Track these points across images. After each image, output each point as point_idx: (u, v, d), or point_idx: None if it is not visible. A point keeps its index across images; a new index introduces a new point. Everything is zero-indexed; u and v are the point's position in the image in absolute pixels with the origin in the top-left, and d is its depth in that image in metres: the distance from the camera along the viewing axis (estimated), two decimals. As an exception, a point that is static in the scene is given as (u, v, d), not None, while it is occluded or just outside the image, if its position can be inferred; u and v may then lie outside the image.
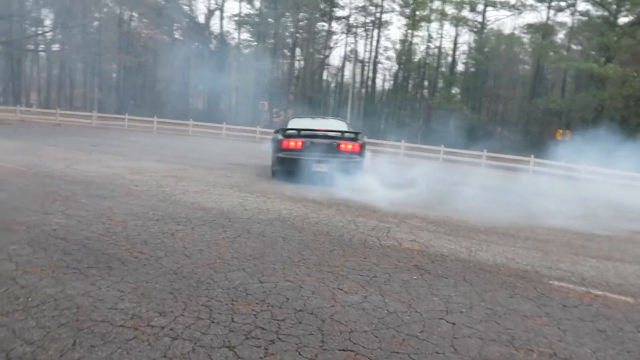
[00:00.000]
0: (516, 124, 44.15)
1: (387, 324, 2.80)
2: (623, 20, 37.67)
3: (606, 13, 39.20)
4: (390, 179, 9.28)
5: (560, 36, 44.00)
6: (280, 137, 9.00)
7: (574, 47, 42.01)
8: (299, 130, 8.86)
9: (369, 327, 2.73)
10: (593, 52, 40.22)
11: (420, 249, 4.58)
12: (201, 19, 43.94)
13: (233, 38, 45.10)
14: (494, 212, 7.14)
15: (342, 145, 8.70)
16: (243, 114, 38.43)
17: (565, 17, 43.82)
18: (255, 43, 42.78)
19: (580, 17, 40.09)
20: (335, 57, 49.00)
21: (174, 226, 4.72)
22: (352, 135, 8.94)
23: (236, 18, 43.20)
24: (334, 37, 45.64)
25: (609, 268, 4.49)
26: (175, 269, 3.50)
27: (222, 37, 43.72)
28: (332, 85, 49.90)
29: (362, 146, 9.03)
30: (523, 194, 10.90)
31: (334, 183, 8.10)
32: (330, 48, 46.08)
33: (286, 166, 8.68)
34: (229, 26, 45.77)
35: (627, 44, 35.42)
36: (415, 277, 3.70)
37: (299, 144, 8.63)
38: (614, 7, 38.60)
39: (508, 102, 46.01)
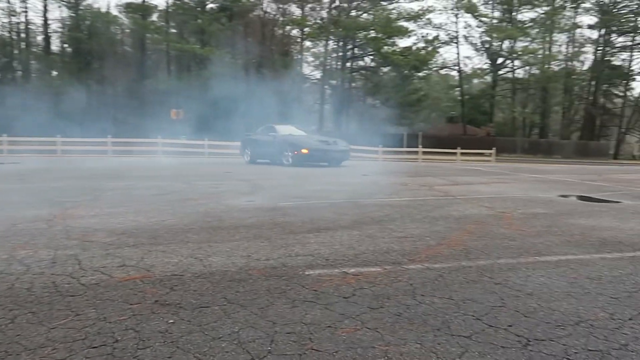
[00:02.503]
0: (129, 106, 43.26)
1: None
2: (211, 6, 41.51)
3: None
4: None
5: (154, 18, 45.04)
6: None
7: (172, 30, 43.80)
8: None
9: None
10: (185, 35, 42.98)
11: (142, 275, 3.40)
12: None
13: None
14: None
15: None
16: None
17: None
18: None
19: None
20: None
21: None
22: None
23: None
24: None
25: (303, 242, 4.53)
26: None
27: None
28: None
29: None
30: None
31: None
32: None
33: None
34: None
35: (216, 29, 39.31)
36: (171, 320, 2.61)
37: None
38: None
39: (117, 84, 44.33)
